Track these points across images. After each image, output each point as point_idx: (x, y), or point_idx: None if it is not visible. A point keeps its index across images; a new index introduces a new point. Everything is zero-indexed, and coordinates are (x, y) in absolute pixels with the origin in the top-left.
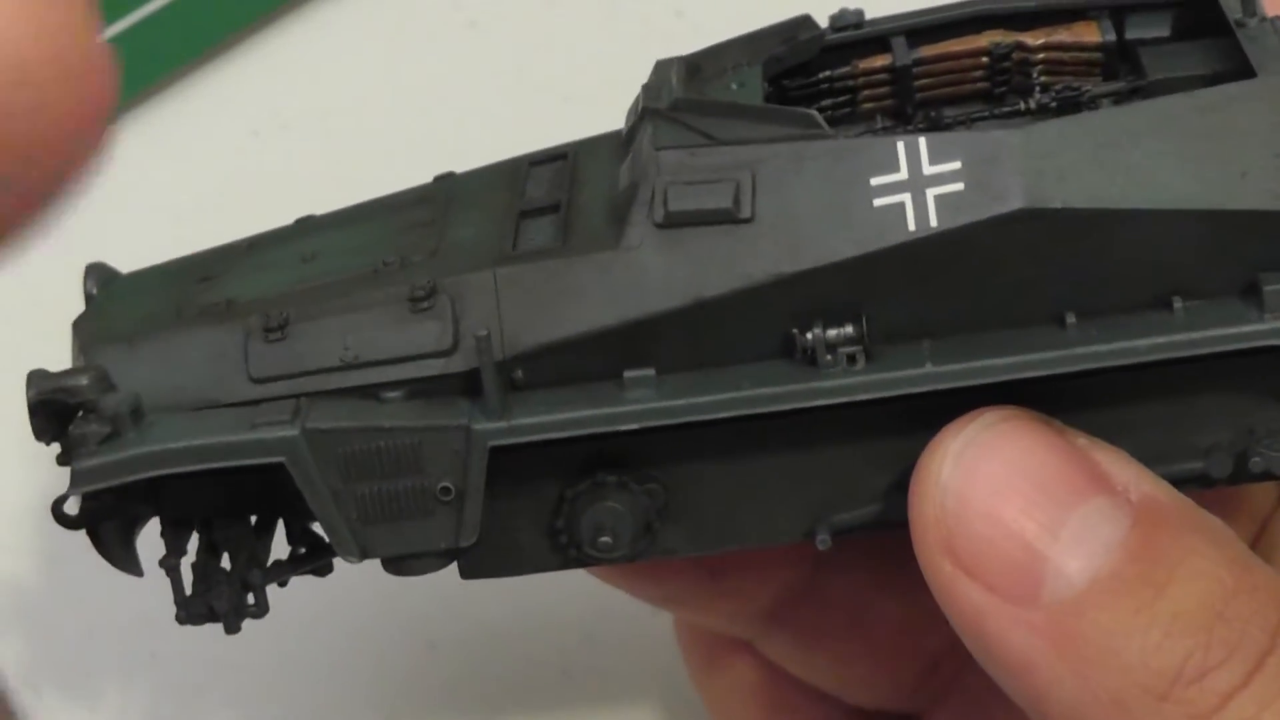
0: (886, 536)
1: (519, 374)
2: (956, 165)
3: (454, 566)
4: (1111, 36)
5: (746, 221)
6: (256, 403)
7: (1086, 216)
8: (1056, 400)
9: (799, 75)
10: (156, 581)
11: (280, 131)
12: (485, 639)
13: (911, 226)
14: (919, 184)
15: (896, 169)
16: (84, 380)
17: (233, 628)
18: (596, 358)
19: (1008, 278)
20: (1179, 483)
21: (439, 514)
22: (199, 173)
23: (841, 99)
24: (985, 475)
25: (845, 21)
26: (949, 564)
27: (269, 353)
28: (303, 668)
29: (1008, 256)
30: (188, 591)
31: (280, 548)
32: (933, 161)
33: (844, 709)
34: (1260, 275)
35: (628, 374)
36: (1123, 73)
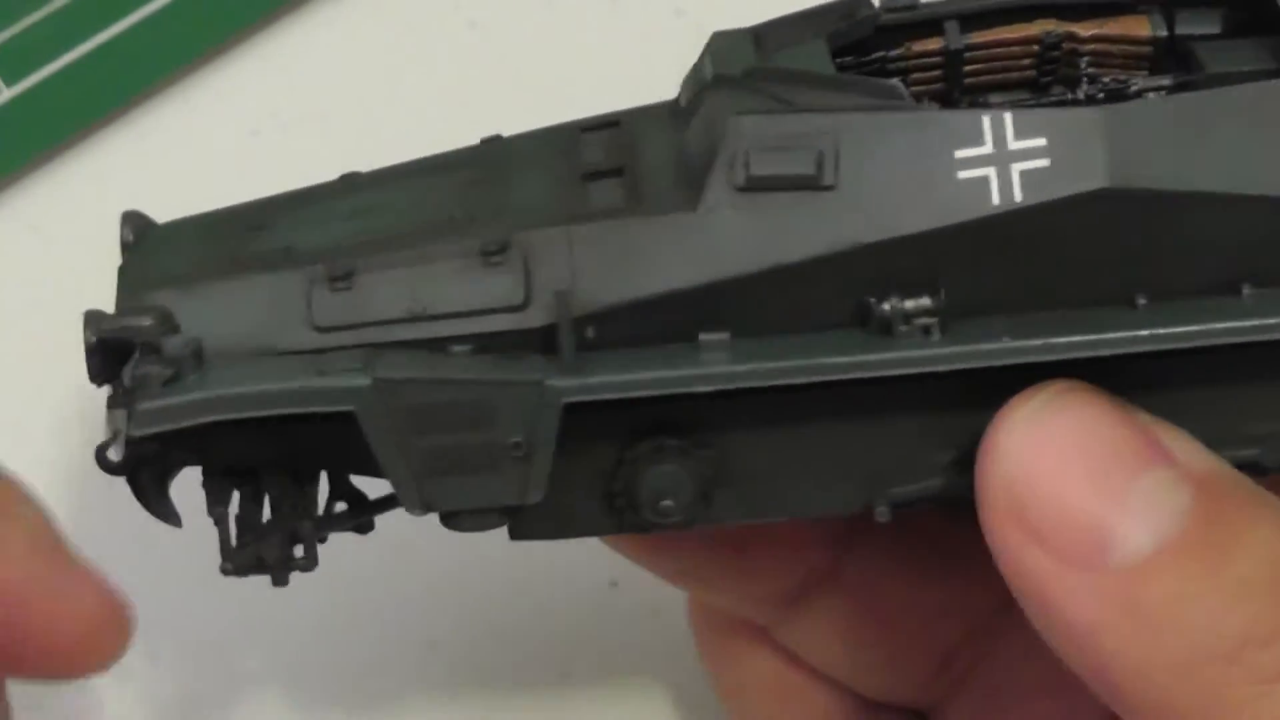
0: (929, 515)
1: (590, 332)
2: (1042, 141)
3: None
4: (1162, 31)
5: (829, 189)
6: (320, 351)
7: (1167, 198)
8: (1118, 380)
9: (852, 54)
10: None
11: (280, 131)
12: (485, 639)
13: (996, 200)
14: (1004, 158)
15: (981, 142)
16: (148, 320)
17: (281, 580)
18: (670, 319)
19: (1085, 256)
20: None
21: (506, 469)
22: (199, 173)
23: (894, 80)
24: (1052, 444)
25: (898, 3)
26: (1017, 531)
27: (334, 301)
28: (302, 668)
29: (1087, 234)
30: (233, 543)
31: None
32: (1018, 136)
33: (856, 701)
34: None
35: (703, 336)
36: (1171, 68)
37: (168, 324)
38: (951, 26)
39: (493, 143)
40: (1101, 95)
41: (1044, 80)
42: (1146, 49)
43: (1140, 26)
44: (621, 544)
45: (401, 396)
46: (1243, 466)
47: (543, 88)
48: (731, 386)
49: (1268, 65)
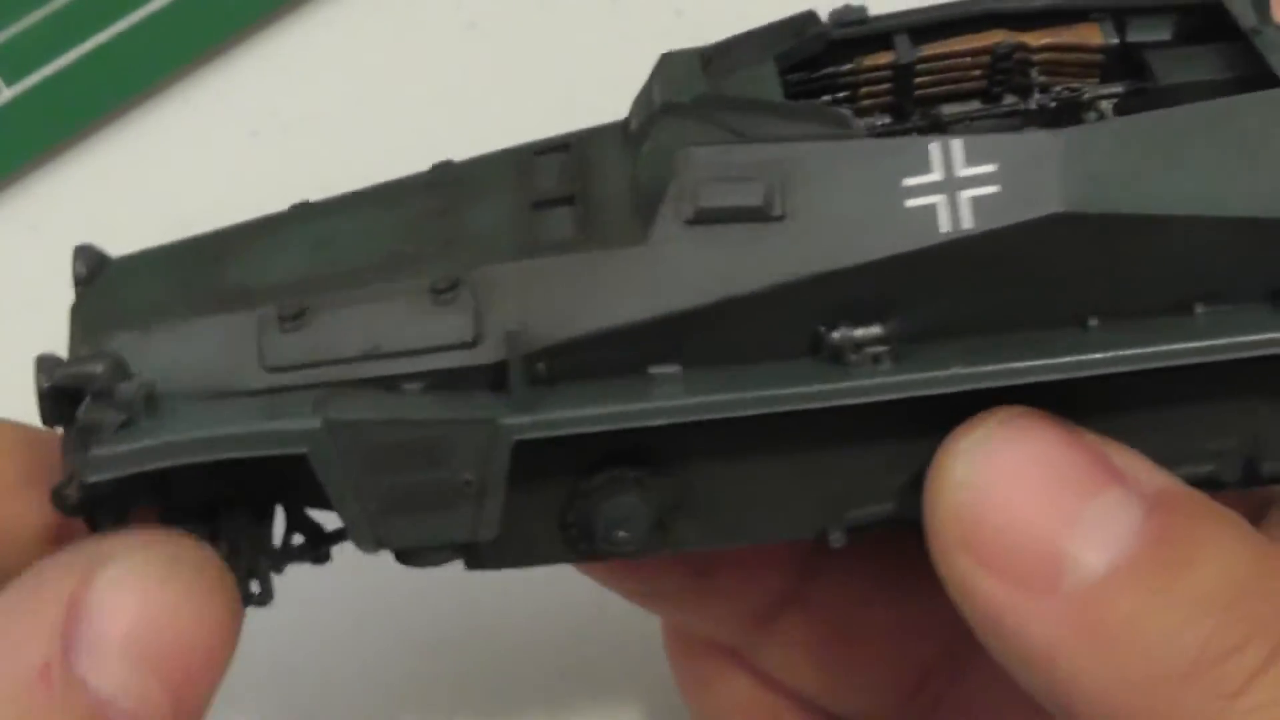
0: (899, 536)
1: (541, 367)
2: (993, 168)
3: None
4: (1114, 39)
5: (778, 220)
6: (274, 391)
7: (1124, 221)
8: (1072, 400)
9: (802, 70)
10: None
11: (280, 131)
12: (485, 639)
13: (944, 228)
14: (953, 185)
15: (929, 170)
16: (100, 368)
17: None
18: (622, 353)
19: (1037, 280)
20: (1189, 484)
21: (460, 507)
22: (199, 173)
23: (842, 95)
24: (1000, 470)
25: (848, 18)
26: (967, 559)
27: (285, 342)
28: (302, 667)
29: (1041, 259)
30: None
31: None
32: (968, 163)
33: (834, 719)
34: None
35: (654, 370)
36: (1122, 75)
37: (120, 371)
38: (902, 40)
39: (443, 167)
40: (1053, 104)
41: (995, 90)
42: (1098, 57)
43: (1092, 35)
44: (584, 568)
45: (353, 437)
46: (1199, 483)
47: (542, 89)
48: (681, 420)
49: (1219, 73)
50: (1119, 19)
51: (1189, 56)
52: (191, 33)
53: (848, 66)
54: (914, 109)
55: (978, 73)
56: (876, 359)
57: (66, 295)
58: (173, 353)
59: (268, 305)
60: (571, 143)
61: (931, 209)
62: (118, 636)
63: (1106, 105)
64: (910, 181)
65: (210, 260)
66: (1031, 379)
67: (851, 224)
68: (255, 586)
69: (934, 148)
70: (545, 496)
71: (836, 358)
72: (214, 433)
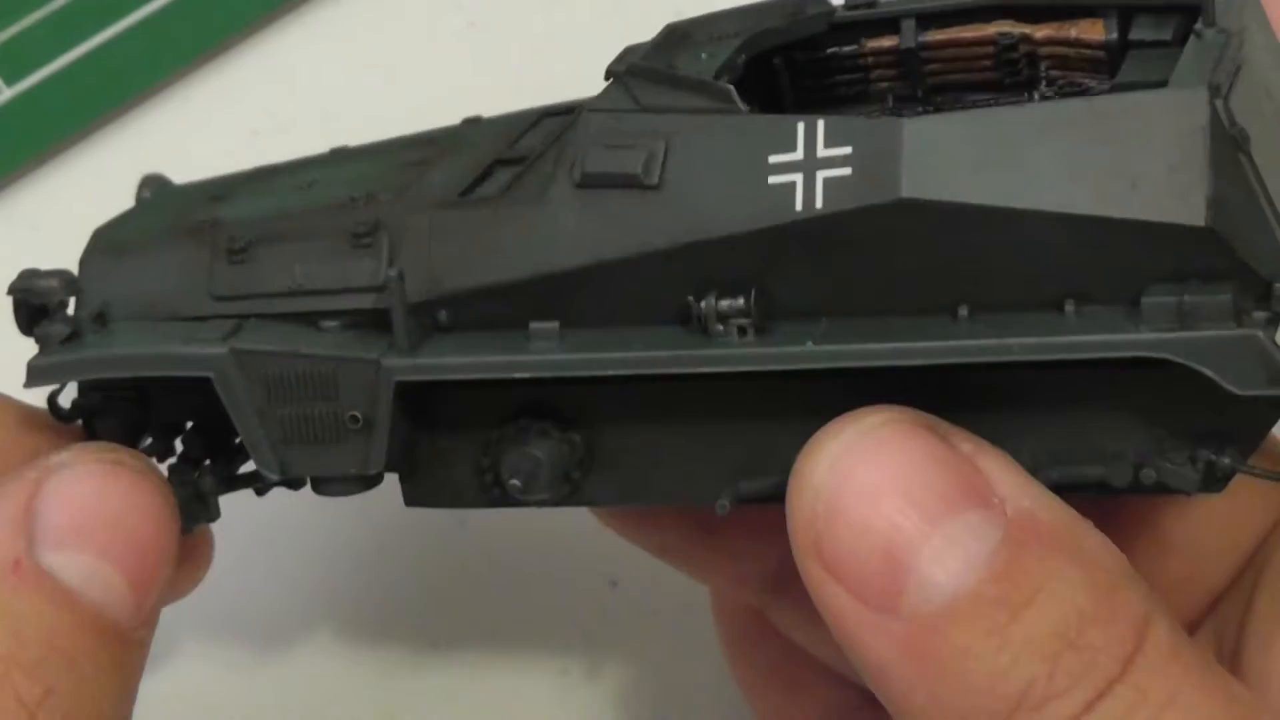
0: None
1: (443, 315)
2: (847, 150)
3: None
4: (1114, 35)
5: (654, 188)
6: (217, 319)
7: (967, 212)
8: (958, 395)
9: (805, 50)
10: None
11: (280, 131)
12: (485, 639)
13: (798, 207)
14: (812, 165)
15: (794, 149)
16: (54, 283)
17: (185, 528)
18: (510, 307)
19: (896, 266)
20: (1079, 488)
21: (350, 441)
22: (199, 172)
23: (855, 76)
24: (858, 482)
25: (858, 0)
26: (818, 566)
27: (230, 273)
28: (303, 667)
29: (892, 245)
30: None
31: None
32: (827, 144)
33: (861, 696)
34: (1149, 286)
35: (533, 325)
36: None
37: (71, 287)
38: (908, 25)
39: (471, 123)
40: (1053, 95)
41: (1009, 81)
42: (1100, 53)
43: (1096, 30)
44: (602, 516)
45: (255, 366)
46: (1089, 486)
47: (542, 89)
48: (544, 375)
49: (1167, 75)
50: (1125, 16)
51: (1162, 57)
52: (191, 33)
53: (850, 49)
54: (924, 95)
55: (986, 63)
56: (741, 330)
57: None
58: (138, 277)
59: (221, 238)
60: (576, 106)
61: (791, 187)
62: (71, 526)
63: (957, 113)
64: (775, 159)
65: (212, 198)
66: (882, 362)
67: (720, 197)
68: (204, 505)
69: (800, 126)
70: (468, 444)
71: (702, 327)
72: (131, 352)
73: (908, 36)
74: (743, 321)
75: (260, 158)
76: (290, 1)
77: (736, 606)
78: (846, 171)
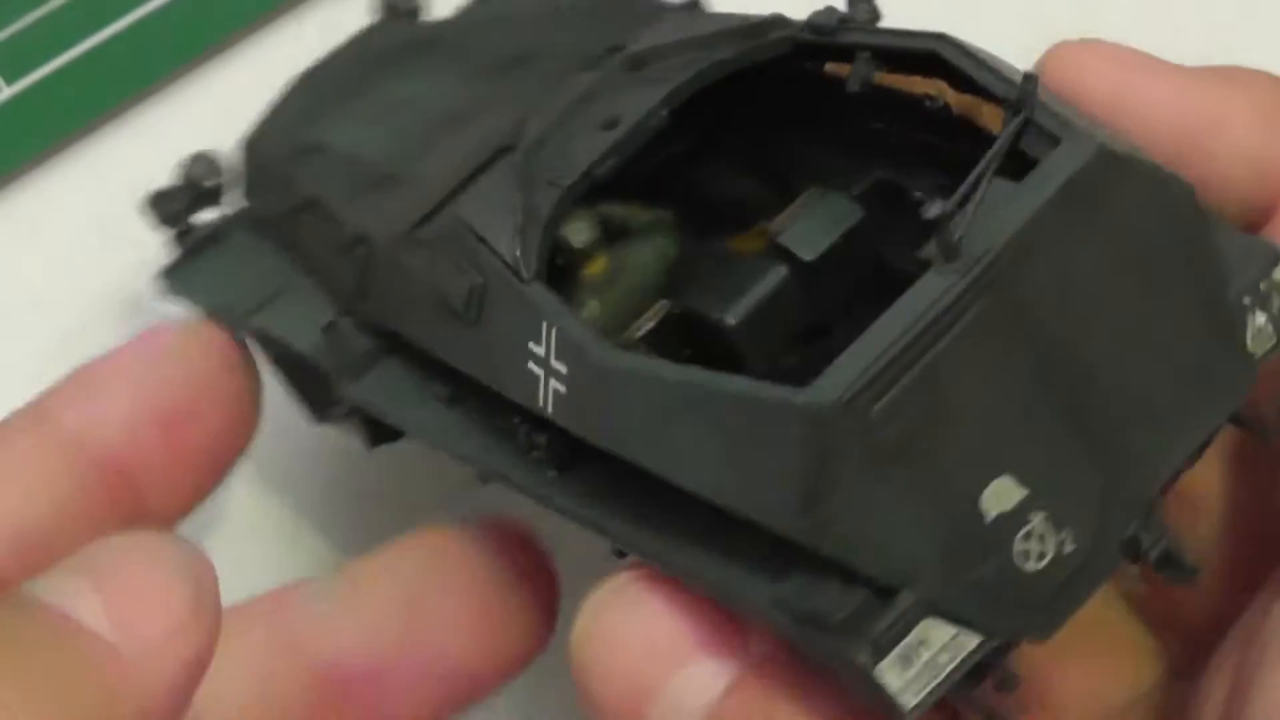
0: None
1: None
2: (564, 369)
3: None
4: (996, 134)
5: (472, 324)
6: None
7: (639, 462)
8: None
9: (787, 66)
10: None
11: None
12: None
13: (540, 403)
14: (549, 369)
15: (540, 343)
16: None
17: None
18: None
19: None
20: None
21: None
22: None
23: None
24: (598, 641)
25: (821, 25)
26: (588, 711)
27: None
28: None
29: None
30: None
31: None
32: (556, 355)
33: None
34: (784, 578)
35: (435, 386)
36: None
37: (211, 168)
38: (862, 62)
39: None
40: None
41: (946, 148)
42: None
43: (995, 123)
44: None
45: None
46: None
47: None
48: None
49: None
50: (1025, 120)
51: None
52: (191, 33)
53: (815, 72)
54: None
55: (922, 119)
56: (546, 462)
57: (67, 295)
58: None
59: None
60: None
61: (537, 380)
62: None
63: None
64: (531, 346)
65: (354, 91)
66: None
67: (503, 359)
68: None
69: (544, 325)
70: None
71: (526, 453)
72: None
73: (855, 79)
74: (540, 455)
75: None
76: (290, 1)
77: None
78: (563, 389)
